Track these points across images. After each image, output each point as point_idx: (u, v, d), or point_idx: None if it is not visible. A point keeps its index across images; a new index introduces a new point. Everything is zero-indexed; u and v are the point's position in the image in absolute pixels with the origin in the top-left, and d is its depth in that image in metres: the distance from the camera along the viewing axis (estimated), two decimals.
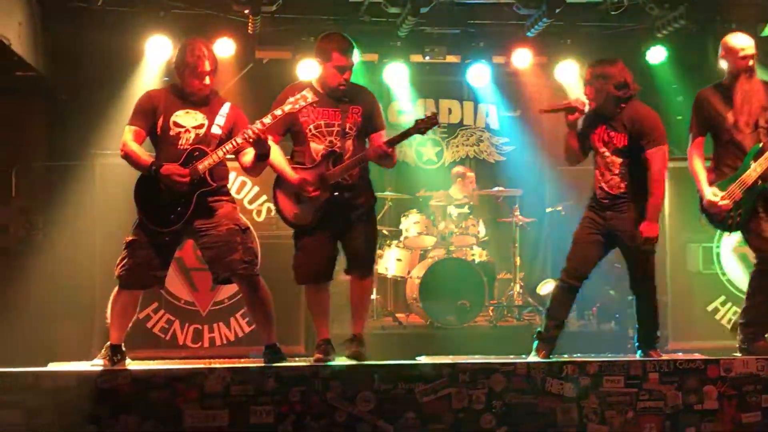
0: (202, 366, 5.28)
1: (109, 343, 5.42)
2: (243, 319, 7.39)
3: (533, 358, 5.71)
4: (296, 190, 5.56)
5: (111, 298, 5.42)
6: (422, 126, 5.57)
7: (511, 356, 5.77)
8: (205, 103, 5.47)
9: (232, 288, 7.20)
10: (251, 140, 5.25)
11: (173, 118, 5.39)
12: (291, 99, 5.35)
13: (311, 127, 5.58)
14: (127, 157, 5.37)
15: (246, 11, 8.16)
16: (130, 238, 5.38)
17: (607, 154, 5.76)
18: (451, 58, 9.50)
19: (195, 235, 5.43)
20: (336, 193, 5.53)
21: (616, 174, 5.73)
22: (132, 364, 5.43)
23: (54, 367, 5.43)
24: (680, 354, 6.20)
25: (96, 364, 5.35)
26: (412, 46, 9.30)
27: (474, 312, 8.54)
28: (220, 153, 5.32)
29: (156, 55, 8.60)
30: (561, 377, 5.17)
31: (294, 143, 5.70)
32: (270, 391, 4.95)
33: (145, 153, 5.39)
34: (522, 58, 9.33)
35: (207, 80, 5.40)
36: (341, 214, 5.61)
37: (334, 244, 5.70)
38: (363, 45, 9.14)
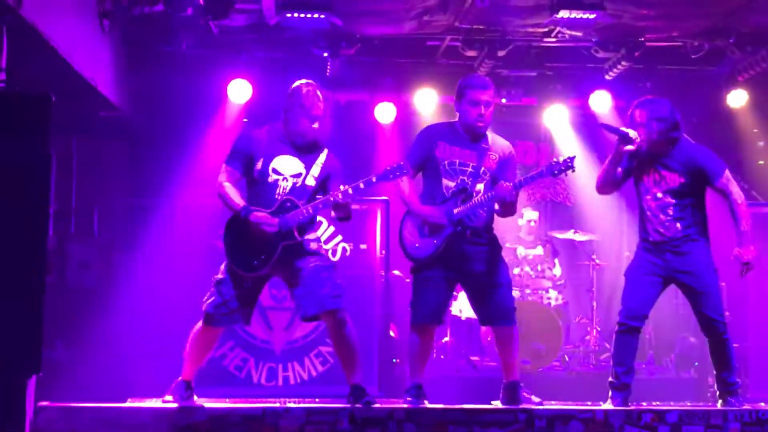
0: (277, 405, 5.30)
1: (180, 379, 5.45)
2: (317, 358, 7.42)
3: (609, 406, 5.60)
4: (422, 222, 5.59)
5: (192, 333, 5.45)
6: (556, 169, 5.52)
7: (588, 403, 5.68)
8: (308, 150, 5.46)
9: (306, 327, 7.27)
10: (335, 205, 5.33)
11: (272, 164, 5.40)
12: (388, 169, 5.39)
13: (446, 163, 5.63)
14: (220, 196, 5.42)
15: (325, 54, 8.28)
16: (219, 276, 5.43)
17: (660, 194, 5.67)
18: (527, 101, 9.49)
19: (283, 273, 5.46)
20: (459, 229, 5.53)
21: (670, 216, 5.64)
22: (208, 402, 5.48)
23: (133, 403, 5.50)
24: (762, 404, 6.02)
25: (167, 401, 5.40)
26: None
27: (549, 357, 8.44)
28: (310, 209, 5.35)
29: (236, 97, 8.77)
30: (640, 425, 5.07)
31: (426, 177, 5.73)
32: None
33: (237, 195, 5.40)
34: (600, 101, 9.27)
35: (316, 125, 5.43)
36: (465, 260, 5.60)
37: (450, 287, 5.72)
38: (440, 87, 9.22)
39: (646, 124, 5.65)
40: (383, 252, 7.65)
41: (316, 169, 5.44)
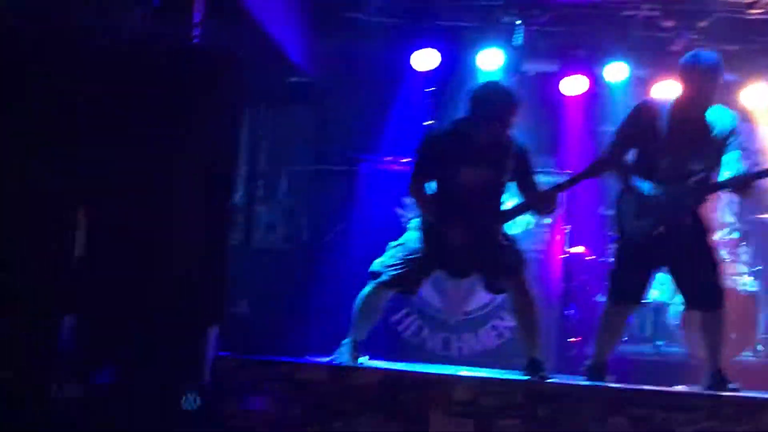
0: (452, 373, 5.25)
1: (351, 339, 5.45)
2: (492, 331, 7.31)
3: None
4: (641, 201, 5.34)
5: (364, 294, 5.44)
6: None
7: None
8: None
9: (482, 299, 7.16)
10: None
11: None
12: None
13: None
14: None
15: (517, 22, 8.11)
16: (401, 242, 5.43)
17: None
18: (728, 76, 8.98)
19: None
20: (688, 220, 5.30)
21: None
22: (381, 365, 5.47)
23: (309, 359, 5.57)
24: None
25: (335, 359, 5.41)
26: None
27: (741, 345, 8.00)
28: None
29: (421, 65, 8.72)
30: None
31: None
32: (518, 405, 4.82)
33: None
34: None
35: None
36: (675, 242, 5.33)
37: (654, 267, 5.48)
38: (634, 60, 8.86)
39: None
40: (567, 226, 7.42)
41: None
